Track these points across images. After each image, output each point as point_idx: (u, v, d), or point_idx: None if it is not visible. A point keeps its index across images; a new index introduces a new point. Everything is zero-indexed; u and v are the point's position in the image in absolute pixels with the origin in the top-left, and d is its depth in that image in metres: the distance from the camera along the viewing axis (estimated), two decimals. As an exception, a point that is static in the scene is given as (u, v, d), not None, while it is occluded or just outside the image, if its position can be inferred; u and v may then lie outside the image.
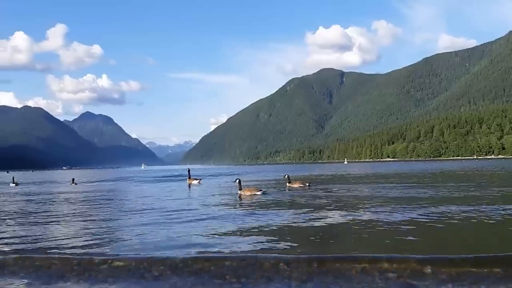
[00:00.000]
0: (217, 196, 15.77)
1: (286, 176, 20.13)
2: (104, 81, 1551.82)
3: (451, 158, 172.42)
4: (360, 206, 10.21)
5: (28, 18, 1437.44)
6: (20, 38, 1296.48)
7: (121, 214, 10.42)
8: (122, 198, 16.39)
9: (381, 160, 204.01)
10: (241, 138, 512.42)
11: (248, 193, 14.92)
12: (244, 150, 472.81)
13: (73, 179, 30.86)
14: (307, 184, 18.74)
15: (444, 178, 23.71)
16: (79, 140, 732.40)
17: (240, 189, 15.38)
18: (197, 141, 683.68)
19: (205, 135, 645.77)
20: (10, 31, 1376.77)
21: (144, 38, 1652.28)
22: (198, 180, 25.82)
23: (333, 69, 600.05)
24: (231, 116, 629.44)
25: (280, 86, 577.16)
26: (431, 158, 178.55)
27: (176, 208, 11.13)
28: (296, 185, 18.73)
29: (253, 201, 12.85)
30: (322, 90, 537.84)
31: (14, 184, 31.67)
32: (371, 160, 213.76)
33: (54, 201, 15.21)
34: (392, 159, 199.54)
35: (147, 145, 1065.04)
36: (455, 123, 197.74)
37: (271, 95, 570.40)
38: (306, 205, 11.11)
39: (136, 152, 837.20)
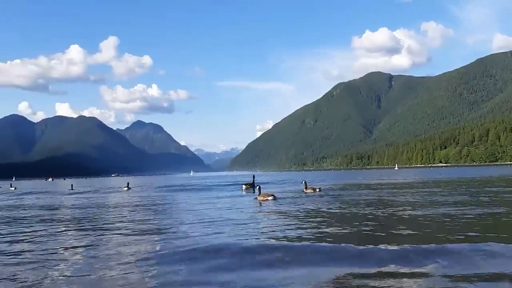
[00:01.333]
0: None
1: (303, 182, 22.52)
2: (154, 91, 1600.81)
3: (509, 163, 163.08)
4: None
5: (82, 31, 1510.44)
6: (75, 51, 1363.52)
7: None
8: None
9: (433, 165, 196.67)
10: (287, 144, 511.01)
11: (261, 198, 16.59)
12: (290, 156, 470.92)
13: (127, 184, 32.80)
14: (317, 190, 20.95)
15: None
16: (131, 148, 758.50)
17: (259, 194, 17.01)
18: (244, 147, 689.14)
19: (251, 142, 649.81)
20: (66, 45, 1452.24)
21: (192, 48, 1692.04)
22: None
23: (381, 72, 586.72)
24: (277, 122, 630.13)
25: (326, 91, 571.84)
26: (486, 163, 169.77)
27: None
28: (309, 191, 20.85)
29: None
30: (369, 94, 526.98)
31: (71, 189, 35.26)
32: (422, 165, 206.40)
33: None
34: (445, 165, 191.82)
35: (195, 152, 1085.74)
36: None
37: (317, 100, 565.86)
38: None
39: (185, 159, 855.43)
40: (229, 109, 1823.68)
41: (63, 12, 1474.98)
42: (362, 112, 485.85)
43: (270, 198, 16.52)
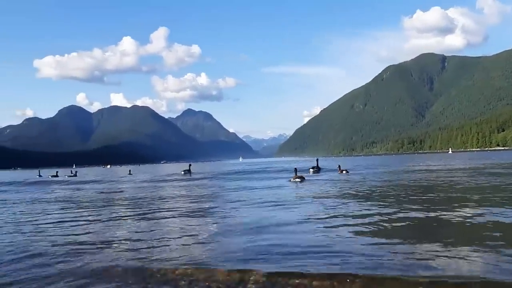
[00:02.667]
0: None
1: (338, 166, 28.47)
2: (203, 79, 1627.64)
3: None
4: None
5: (133, 23, 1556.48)
6: (127, 43, 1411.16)
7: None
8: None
9: (490, 149, 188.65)
10: (335, 130, 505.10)
11: (292, 179, 20.26)
12: (339, 141, 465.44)
13: (189, 166, 34.72)
14: (344, 171, 25.83)
15: None
16: (182, 136, 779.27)
17: (294, 176, 20.60)
18: (291, 133, 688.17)
19: (298, 128, 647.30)
20: (119, 37, 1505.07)
21: (238, 35, 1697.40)
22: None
23: (433, 53, 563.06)
24: (325, 107, 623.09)
25: (376, 75, 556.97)
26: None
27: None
28: (340, 172, 26.05)
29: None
30: (421, 77, 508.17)
31: (129, 174, 38.44)
32: (478, 149, 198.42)
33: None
34: (503, 148, 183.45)
35: (243, 139, 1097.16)
36: None
37: (366, 84, 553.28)
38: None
39: (234, 146, 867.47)
40: (276, 95, 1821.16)
41: (115, 5, 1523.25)
42: (413, 95, 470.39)
43: (298, 180, 19.91)
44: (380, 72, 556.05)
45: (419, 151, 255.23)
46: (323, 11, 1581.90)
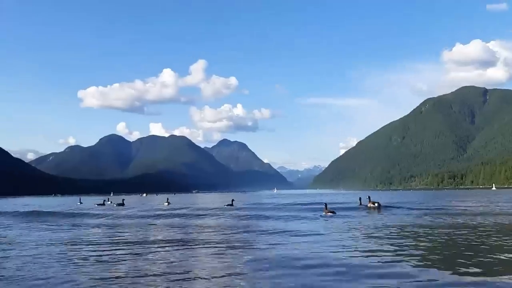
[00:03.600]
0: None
1: (368, 197, 27.99)
2: (239, 110, 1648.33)
3: None
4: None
5: (174, 56, 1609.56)
6: (167, 75, 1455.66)
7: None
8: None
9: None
10: (372, 162, 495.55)
11: (323, 213, 21.24)
12: (376, 174, 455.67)
13: (232, 201, 34.70)
14: (376, 204, 25.47)
15: None
16: (217, 166, 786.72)
17: (326, 209, 21.60)
18: (326, 165, 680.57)
19: (334, 159, 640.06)
20: (159, 69, 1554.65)
21: (274, 67, 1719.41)
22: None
23: (474, 86, 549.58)
24: (361, 139, 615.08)
25: (414, 107, 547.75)
26: None
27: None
28: (371, 204, 25.77)
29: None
30: (462, 110, 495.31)
31: (167, 204, 38.27)
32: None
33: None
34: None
35: (278, 170, 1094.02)
36: None
37: (404, 117, 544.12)
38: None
39: (268, 176, 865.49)
40: (311, 126, 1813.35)
41: (157, 38, 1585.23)
42: (454, 129, 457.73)
43: (329, 214, 20.85)
44: (418, 105, 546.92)
45: (460, 187, 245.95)
46: (360, 42, 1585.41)
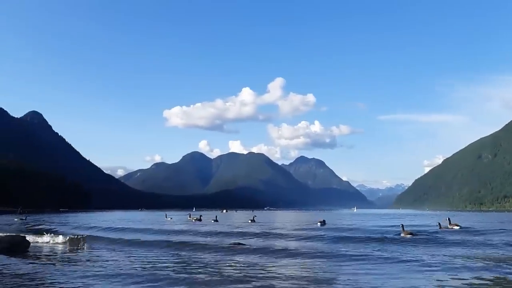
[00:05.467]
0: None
1: (447, 219, 27.11)
2: (316, 127, 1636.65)
3: None
4: None
5: (253, 75, 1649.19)
6: (246, 93, 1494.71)
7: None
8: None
9: None
10: (460, 181, 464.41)
11: (402, 234, 20.18)
12: (464, 194, 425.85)
13: (323, 221, 32.93)
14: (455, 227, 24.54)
15: None
16: (294, 183, 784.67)
17: (403, 231, 20.73)
18: (410, 184, 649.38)
19: (418, 178, 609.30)
20: (239, 88, 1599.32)
21: (354, 83, 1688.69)
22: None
23: None
24: (447, 157, 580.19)
25: (507, 123, 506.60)
26: None
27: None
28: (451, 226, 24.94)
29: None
30: None
31: (250, 221, 38.73)
32: None
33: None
34: None
35: (357, 188, 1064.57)
36: None
37: (495, 132, 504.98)
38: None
39: (347, 195, 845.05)
40: (393, 143, 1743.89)
41: (235, 58, 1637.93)
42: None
43: (408, 236, 19.51)
44: (511, 119, 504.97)
45: None
46: (445, 56, 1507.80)
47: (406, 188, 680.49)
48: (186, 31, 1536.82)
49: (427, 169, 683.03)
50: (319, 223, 30.76)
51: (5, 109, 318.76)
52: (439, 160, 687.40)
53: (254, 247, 15.46)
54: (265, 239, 20.15)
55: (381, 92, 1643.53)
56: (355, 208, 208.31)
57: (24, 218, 40.15)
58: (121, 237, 19.85)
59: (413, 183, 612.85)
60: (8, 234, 13.10)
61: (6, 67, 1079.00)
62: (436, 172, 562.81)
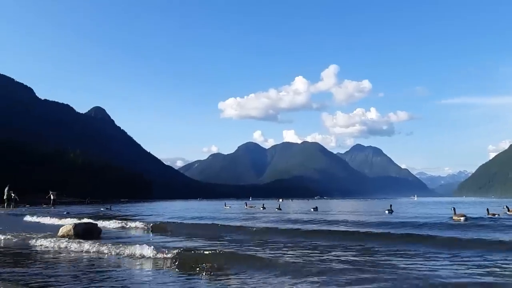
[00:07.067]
0: None
1: (505, 206, 26.60)
2: (372, 114, 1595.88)
3: None
4: None
5: (305, 63, 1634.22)
6: (299, 82, 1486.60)
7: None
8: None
9: None
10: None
11: (454, 217, 19.48)
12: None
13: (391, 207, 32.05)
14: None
15: None
16: (351, 171, 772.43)
17: (454, 214, 20.10)
18: (473, 170, 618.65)
19: (482, 164, 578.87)
20: (292, 77, 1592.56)
21: (413, 66, 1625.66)
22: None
23: None
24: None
25: None
26: None
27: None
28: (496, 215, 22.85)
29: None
30: None
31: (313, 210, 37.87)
32: None
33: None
34: None
35: (417, 176, 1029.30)
36: None
37: None
38: None
39: (406, 183, 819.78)
40: (455, 128, 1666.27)
41: (288, 47, 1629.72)
42: None
43: (462, 218, 18.91)
44: None
45: None
46: (510, 34, 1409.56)
47: (470, 175, 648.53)
48: (240, 23, 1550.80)
49: (492, 155, 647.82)
50: (386, 211, 30.07)
51: (71, 106, 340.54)
52: (505, 145, 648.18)
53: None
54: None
55: (443, 76, 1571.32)
56: (415, 197, 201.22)
57: (109, 208, 43.35)
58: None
59: (477, 170, 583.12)
60: (82, 221, 14.39)
61: (74, 65, 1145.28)
62: (502, 157, 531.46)
